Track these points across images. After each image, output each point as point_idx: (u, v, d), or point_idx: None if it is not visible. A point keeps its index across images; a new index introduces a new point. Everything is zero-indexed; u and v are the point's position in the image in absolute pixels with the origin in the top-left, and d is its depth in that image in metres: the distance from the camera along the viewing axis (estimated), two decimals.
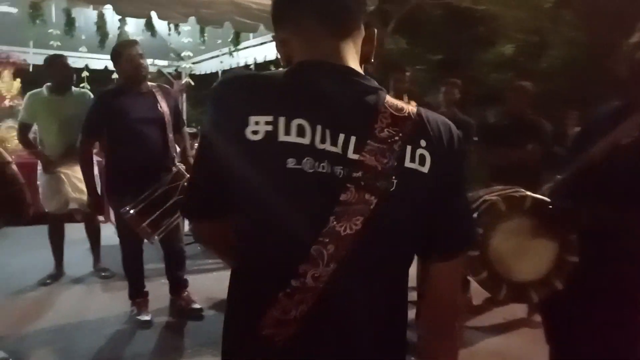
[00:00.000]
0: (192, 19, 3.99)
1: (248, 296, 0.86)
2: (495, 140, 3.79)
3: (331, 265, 0.77)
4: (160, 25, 4.78)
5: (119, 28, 4.17)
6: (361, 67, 0.90)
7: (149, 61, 6.90)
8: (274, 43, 4.44)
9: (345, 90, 0.82)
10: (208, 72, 7.46)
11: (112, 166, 3.27)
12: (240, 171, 0.80)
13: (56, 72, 3.75)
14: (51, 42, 4.25)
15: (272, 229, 0.81)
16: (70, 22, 3.92)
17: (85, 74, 5.89)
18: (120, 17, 4.07)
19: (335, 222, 0.77)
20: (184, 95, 8.36)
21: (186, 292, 3.58)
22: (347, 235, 0.77)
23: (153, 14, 3.88)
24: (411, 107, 0.85)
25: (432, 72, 8.91)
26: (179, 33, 4.43)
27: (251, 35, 5.11)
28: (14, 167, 2.33)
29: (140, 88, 3.23)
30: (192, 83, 7.85)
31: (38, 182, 3.94)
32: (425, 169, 0.80)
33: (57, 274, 4.11)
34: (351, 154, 0.78)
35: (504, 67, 8.87)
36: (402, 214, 0.81)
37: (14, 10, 4.22)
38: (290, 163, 0.77)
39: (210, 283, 4.11)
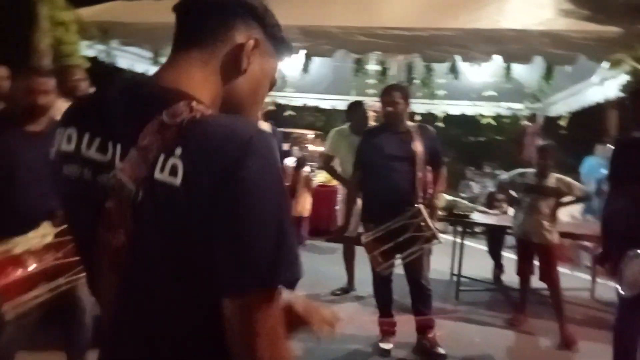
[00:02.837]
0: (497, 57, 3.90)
1: None
2: None
3: (112, 275, 0.79)
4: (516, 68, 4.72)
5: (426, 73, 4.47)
6: (228, 81, 0.87)
7: (502, 104, 6.89)
8: (613, 81, 3.79)
9: (131, 100, 0.82)
10: (558, 114, 6.78)
11: (364, 197, 3.59)
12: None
13: (357, 115, 4.40)
14: (367, 90, 4.94)
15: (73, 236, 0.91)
16: (384, 72, 4.45)
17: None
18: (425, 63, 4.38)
19: (104, 232, 0.78)
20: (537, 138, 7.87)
21: (432, 334, 3.51)
22: (118, 248, 0.77)
23: (457, 57, 4.02)
24: (198, 114, 0.75)
25: None
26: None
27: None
28: None
29: (397, 127, 3.45)
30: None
31: (337, 207, 4.66)
32: (176, 181, 0.71)
33: (348, 288, 4.71)
34: (118, 163, 0.78)
35: None
36: (155, 231, 0.74)
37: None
38: (65, 170, 0.84)
39: (467, 332, 3.96)
